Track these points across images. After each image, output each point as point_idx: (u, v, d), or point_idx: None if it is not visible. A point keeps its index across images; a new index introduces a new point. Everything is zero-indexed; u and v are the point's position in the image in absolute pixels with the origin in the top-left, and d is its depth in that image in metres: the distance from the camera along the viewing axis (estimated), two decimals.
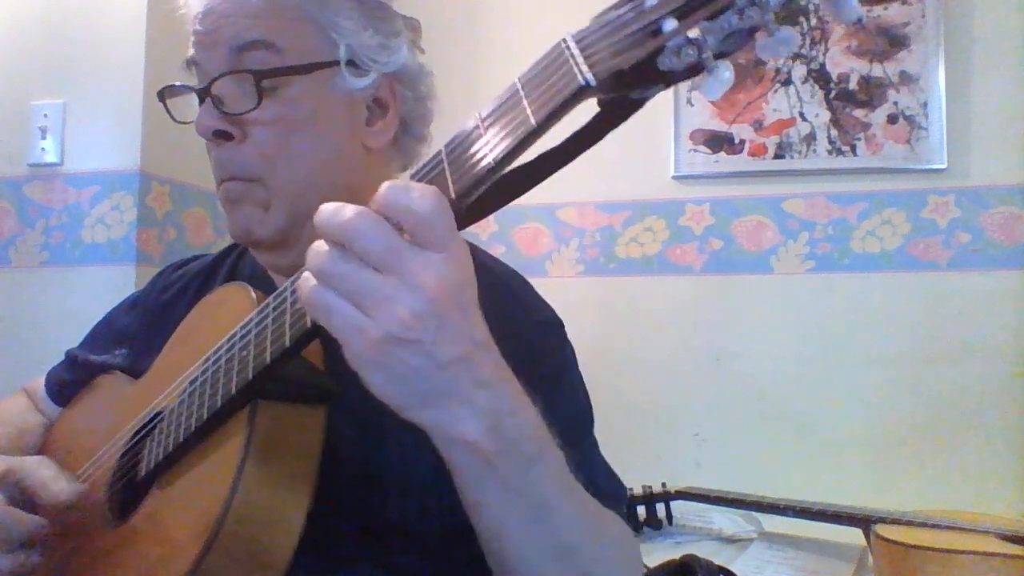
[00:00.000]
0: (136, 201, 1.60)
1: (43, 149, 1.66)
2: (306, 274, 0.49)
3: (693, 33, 0.42)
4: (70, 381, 0.93)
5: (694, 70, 0.43)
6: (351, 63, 0.74)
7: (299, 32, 0.73)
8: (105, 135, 1.64)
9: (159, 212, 1.66)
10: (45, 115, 1.66)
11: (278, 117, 0.72)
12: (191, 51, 0.75)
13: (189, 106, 0.76)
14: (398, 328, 0.46)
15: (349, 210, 0.47)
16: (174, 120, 0.79)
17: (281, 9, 0.72)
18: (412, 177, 0.52)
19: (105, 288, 1.59)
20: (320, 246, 0.48)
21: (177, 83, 0.77)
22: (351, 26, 0.74)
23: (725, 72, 0.43)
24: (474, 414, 0.49)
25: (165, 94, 0.79)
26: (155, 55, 1.62)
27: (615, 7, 0.46)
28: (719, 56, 0.43)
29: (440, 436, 0.51)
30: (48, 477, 0.68)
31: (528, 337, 0.72)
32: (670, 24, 0.43)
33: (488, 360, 0.50)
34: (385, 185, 0.47)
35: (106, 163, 1.63)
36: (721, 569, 1.22)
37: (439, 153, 0.51)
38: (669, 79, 0.45)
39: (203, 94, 0.72)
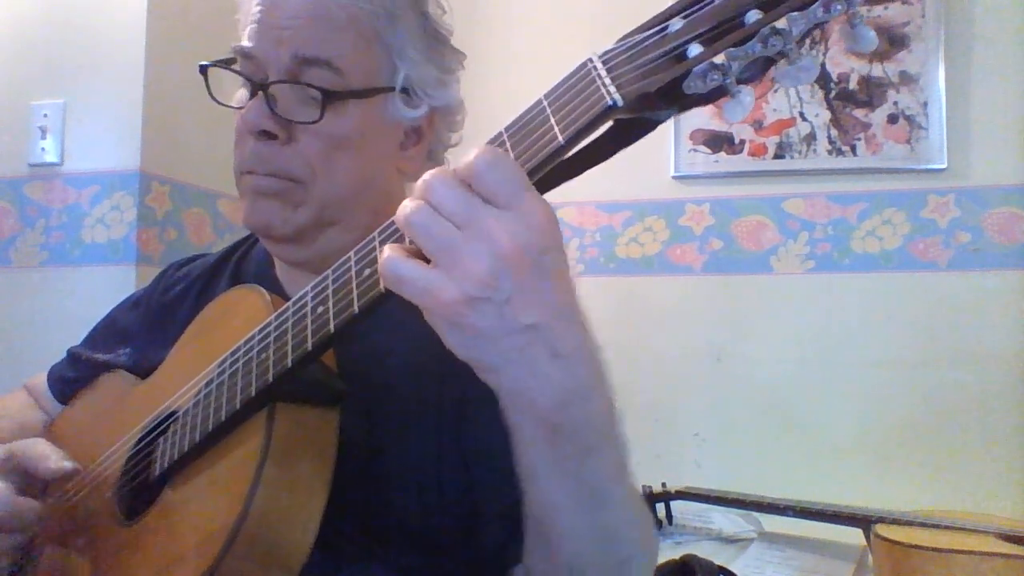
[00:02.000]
0: (136, 201, 1.60)
1: (43, 149, 1.66)
2: (384, 248, 0.49)
3: (718, 59, 0.44)
4: (73, 379, 0.94)
5: (718, 94, 0.45)
6: (404, 91, 0.75)
7: (366, 53, 0.73)
8: (105, 135, 1.64)
9: (159, 212, 1.66)
10: (45, 115, 1.66)
11: (328, 132, 0.72)
12: (246, 41, 0.73)
13: (225, 84, 0.75)
14: (470, 286, 0.45)
15: (430, 172, 0.47)
16: (212, 96, 0.77)
17: (355, 23, 0.72)
18: None
19: (105, 288, 1.59)
20: (408, 200, 0.48)
21: (225, 64, 0.76)
22: (416, 56, 0.75)
23: (747, 97, 0.44)
24: (546, 386, 0.48)
25: (208, 69, 0.77)
26: (155, 55, 1.61)
27: (640, 30, 0.47)
28: (741, 81, 0.44)
29: (508, 400, 0.50)
30: (43, 453, 0.70)
31: None
32: (695, 50, 0.44)
33: (569, 332, 0.48)
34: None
35: (106, 163, 1.63)
36: (721, 569, 1.22)
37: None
38: (689, 102, 0.46)
39: (258, 88, 0.72)
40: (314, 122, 0.71)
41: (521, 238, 0.45)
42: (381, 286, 0.52)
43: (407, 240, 0.49)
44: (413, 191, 0.48)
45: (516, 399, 0.50)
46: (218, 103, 0.77)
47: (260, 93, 0.71)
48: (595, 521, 0.55)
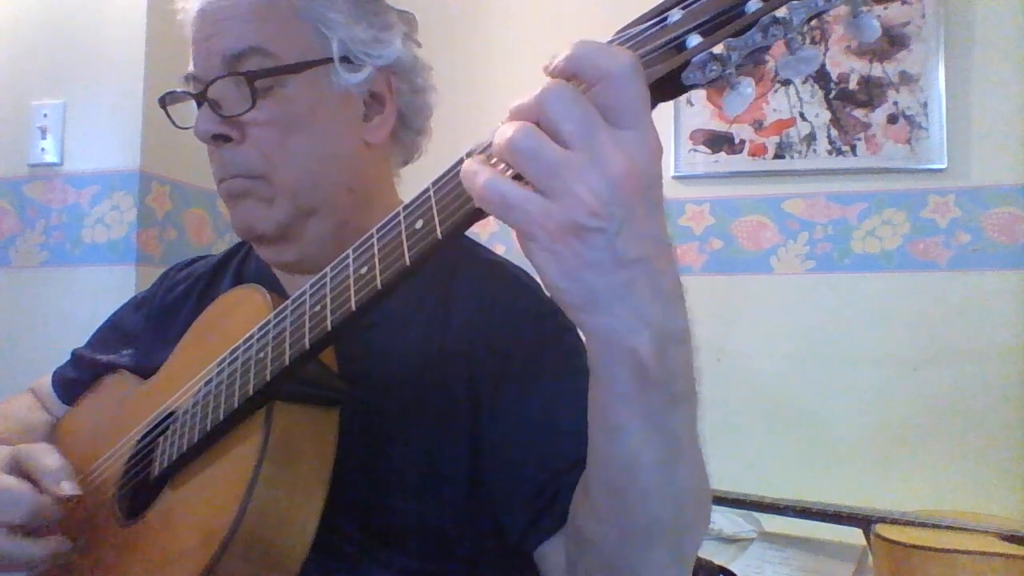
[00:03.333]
0: (136, 201, 1.60)
1: (43, 149, 1.66)
2: (473, 166, 0.45)
3: (717, 49, 0.43)
4: (77, 380, 0.94)
5: (717, 85, 0.44)
6: (344, 59, 0.74)
7: (291, 31, 0.73)
8: (105, 135, 1.64)
9: (159, 212, 1.66)
10: (45, 115, 1.66)
11: (275, 117, 0.72)
12: (191, 66, 0.75)
13: (190, 111, 0.76)
14: (581, 214, 0.41)
15: (547, 84, 0.43)
16: (175, 126, 0.79)
17: (272, 6, 0.73)
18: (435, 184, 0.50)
19: (105, 288, 1.59)
20: (507, 125, 0.44)
21: (177, 90, 0.78)
22: (342, 19, 0.74)
23: (748, 88, 0.43)
24: (646, 328, 0.44)
25: (167, 100, 0.79)
26: (155, 55, 1.62)
27: (639, 21, 0.46)
28: (741, 72, 0.43)
29: (605, 344, 0.46)
30: (49, 468, 0.69)
31: (537, 324, 0.71)
32: (694, 40, 0.43)
33: (669, 269, 0.46)
34: (577, 41, 0.44)
35: (106, 163, 1.63)
36: (721, 569, 1.22)
37: (461, 160, 0.49)
38: (687, 91, 0.45)
39: (200, 99, 0.73)
40: (249, 110, 0.71)
41: (638, 164, 0.42)
42: (378, 282, 0.52)
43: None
44: (513, 111, 0.44)
45: (614, 342, 0.45)
46: (182, 129, 0.78)
47: (204, 103, 0.72)
48: (673, 479, 0.51)
